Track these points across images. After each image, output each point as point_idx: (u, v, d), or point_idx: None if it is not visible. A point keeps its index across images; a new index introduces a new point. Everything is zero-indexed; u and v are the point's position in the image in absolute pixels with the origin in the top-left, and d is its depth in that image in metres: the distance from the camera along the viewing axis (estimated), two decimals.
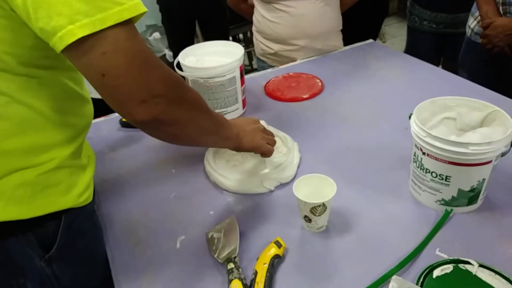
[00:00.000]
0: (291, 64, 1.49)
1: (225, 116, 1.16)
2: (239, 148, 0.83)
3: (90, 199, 0.79)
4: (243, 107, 1.22)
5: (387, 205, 0.85)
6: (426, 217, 0.82)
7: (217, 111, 1.16)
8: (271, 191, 0.91)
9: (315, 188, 0.80)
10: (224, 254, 0.75)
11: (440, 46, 1.88)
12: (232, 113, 1.19)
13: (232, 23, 2.54)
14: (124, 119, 1.19)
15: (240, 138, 0.82)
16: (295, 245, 0.78)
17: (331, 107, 1.21)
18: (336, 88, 1.31)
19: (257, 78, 1.41)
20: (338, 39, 1.57)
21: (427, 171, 0.79)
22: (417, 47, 1.91)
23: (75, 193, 0.72)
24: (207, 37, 2.28)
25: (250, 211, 0.87)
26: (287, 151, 1.00)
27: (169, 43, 2.36)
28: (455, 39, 1.78)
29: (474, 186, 0.77)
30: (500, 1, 1.32)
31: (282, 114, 1.20)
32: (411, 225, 0.81)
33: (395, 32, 3.91)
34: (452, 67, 1.69)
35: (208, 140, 0.77)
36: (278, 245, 0.75)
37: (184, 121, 0.65)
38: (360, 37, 1.64)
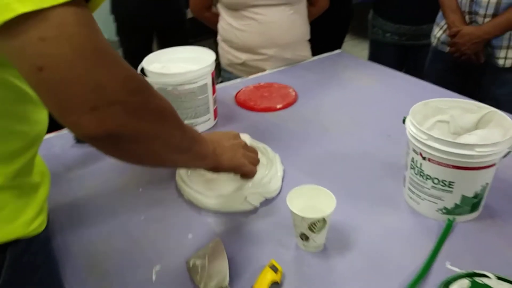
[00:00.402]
0: (260, 74, 1.42)
1: (196, 127, 1.06)
2: (216, 168, 0.70)
3: (43, 227, 0.65)
4: (215, 118, 1.12)
5: (384, 217, 0.78)
6: (427, 228, 0.75)
7: (185, 122, 1.05)
8: (256, 208, 0.82)
9: (309, 201, 0.71)
10: (212, 284, 0.63)
11: (402, 58, 1.89)
12: (203, 124, 1.08)
13: (191, 36, 2.44)
14: None
15: (217, 156, 0.69)
16: (292, 268, 0.68)
17: (308, 116, 1.14)
18: (310, 97, 1.24)
19: (226, 88, 1.32)
20: (307, 49, 1.52)
21: (428, 177, 0.73)
22: (380, 59, 1.89)
23: (23, 219, 0.59)
24: None
25: (235, 232, 0.77)
26: (268, 163, 0.91)
27: (124, 55, 2.21)
28: (417, 50, 1.81)
29: (478, 192, 0.72)
30: (466, 11, 1.34)
31: (257, 125, 1.12)
32: (413, 237, 0.74)
33: (350, 49, 3.99)
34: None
35: (178, 159, 0.62)
36: (274, 269, 0.65)
37: (149, 136, 0.51)
38: (325, 48, 1.60)
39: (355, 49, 3.67)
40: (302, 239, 0.70)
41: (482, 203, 0.75)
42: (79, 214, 0.83)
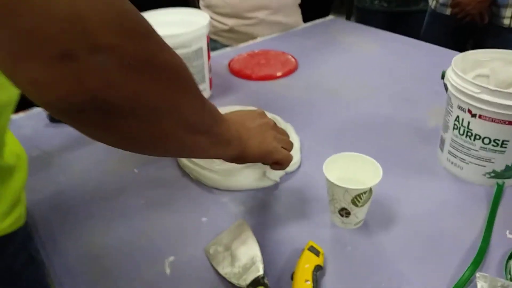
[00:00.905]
0: (252, 42, 1.29)
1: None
2: (242, 156, 0.54)
3: (21, 222, 0.52)
4: (210, 88, 0.99)
5: (424, 185, 0.69)
6: (473, 194, 0.67)
7: None
8: (277, 183, 0.70)
9: (345, 172, 0.61)
10: (245, 274, 0.52)
11: (391, 27, 1.79)
12: None
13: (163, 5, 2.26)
14: None
15: (243, 141, 0.53)
16: (333, 250, 0.58)
17: (314, 83, 1.03)
18: (313, 63, 1.13)
19: (216, 58, 1.18)
20: (298, 14, 1.41)
21: (477, 137, 0.64)
22: None
23: None
24: None
25: (257, 212, 0.65)
26: None
27: None
28: (407, 18, 1.72)
29: None
30: None
31: (258, 95, 1.00)
32: (461, 206, 0.65)
33: None
34: None
35: (194, 144, 0.43)
36: (315, 252, 0.54)
37: (154, 106, 0.34)
38: (315, 16, 1.49)
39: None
40: (341, 215, 0.59)
41: None
42: (65, 205, 0.69)
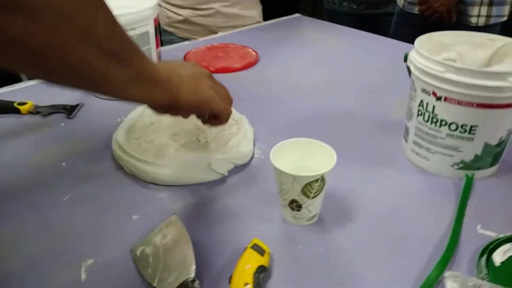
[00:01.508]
0: (211, 36, 1.22)
1: None
2: (176, 104, 0.48)
3: None
4: None
5: (386, 179, 0.62)
6: (440, 188, 0.60)
7: None
8: (223, 177, 0.62)
9: (297, 160, 0.53)
10: (171, 278, 0.43)
11: (360, 29, 1.76)
12: None
13: None
14: None
15: (173, 87, 0.47)
16: (281, 248, 0.49)
17: (273, 77, 0.96)
18: (273, 57, 1.07)
19: (171, 51, 1.10)
20: (258, 9, 1.35)
21: (443, 123, 0.57)
22: None
23: None
24: None
25: (198, 208, 0.57)
26: (233, 124, 0.72)
27: None
28: (376, 20, 1.69)
29: (503, 138, 0.58)
30: None
31: None
32: (427, 200, 0.58)
33: None
34: None
35: (106, 71, 0.37)
36: (259, 250, 0.46)
37: (46, 4, 0.30)
38: (280, 14, 1.44)
39: None
40: (292, 209, 0.51)
41: (503, 153, 0.61)
42: None
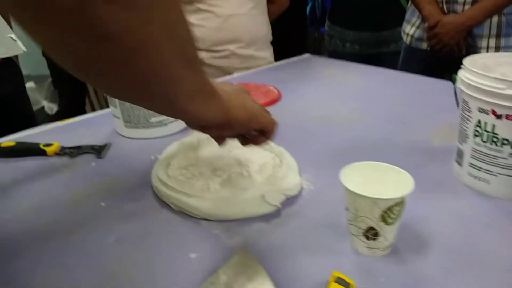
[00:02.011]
0: (228, 77, 1.22)
1: (167, 127, 0.82)
2: (228, 120, 0.45)
3: None
4: None
5: (447, 203, 0.59)
6: (504, 210, 0.57)
7: (154, 119, 0.81)
8: (278, 209, 0.58)
9: (363, 185, 0.50)
10: None
11: None
12: (175, 122, 0.84)
13: None
14: (2, 144, 0.76)
15: (225, 101, 0.45)
16: (361, 282, 0.45)
17: (300, 111, 0.95)
18: (295, 93, 1.06)
19: None
20: (270, 50, 1.38)
21: (504, 142, 0.56)
22: None
23: None
24: None
25: (257, 242, 0.53)
26: (274, 157, 0.70)
27: (54, 82, 1.88)
28: (378, 60, 1.73)
29: None
30: (444, 0, 1.27)
31: None
32: (495, 223, 0.55)
33: None
34: None
35: (180, 79, 0.36)
36: (344, 284, 0.42)
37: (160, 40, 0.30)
38: (288, 53, 1.46)
39: None
40: (367, 237, 0.48)
41: None
42: (8, 247, 0.53)
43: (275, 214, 0.58)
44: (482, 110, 0.57)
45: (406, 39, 1.44)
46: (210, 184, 0.62)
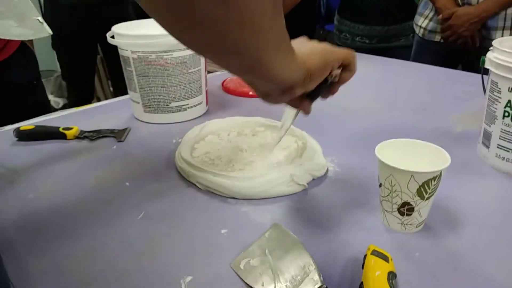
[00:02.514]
0: None
1: (187, 112, 0.82)
2: (306, 68, 0.43)
3: None
4: (206, 103, 0.88)
5: (477, 184, 0.59)
6: None
7: (173, 104, 0.81)
8: (304, 189, 0.58)
9: (399, 161, 0.50)
10: (296, 283, 0.38)
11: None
12: (195, 108, 0.84)
13: None
14: (22, 128, 0.76)
15: (299, 57, 0.42)
16: (397, 257, 0.45)
17: (320, 101, 0.94)
18: None
19: (209, 79, 1.09)
20: None
21: None
22: None
23: None
24: (112, 65, 1.85)
25: (288, 219, 0.52)
26: (296, 140, 0.69)
27: (63, 71, 1.86)
28: (388, 53, 1.72)
29: None
30: None
31: (258, 111, 0.88)
32: None
33: None
34: None
35: (274, 29, 0.35)
36: (382, 257, 0.41)
37: None
38: None
39: None
40: (401, 213, 0.47)
41: None
42: (35, 224, 0.53)
43: (303, 194, 0.57)
44: (510, 90, 0.57)
45: (419, 32, 1.43)
46: (235, 165, 0.62)
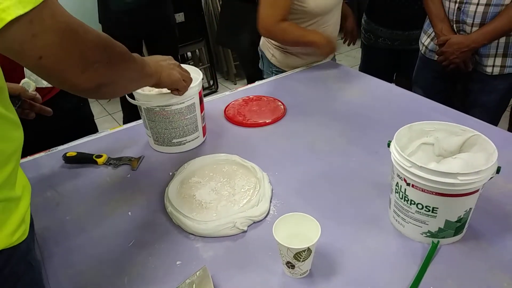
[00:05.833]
0: (249, 86, 1.42)
1: (185, 145, 1.07)
2: (158, 83, 0.87)
3: (25, 236, 0.65)
4: (204, 135, 1.13)
5: (370, 239, 0.79)
6: (412, 250, 0.76)
7: (174, 141, 1.06)
8: (244, 231, 0.82)
9: (295, 228, 0.72)
10: None
11: (394, 62, 1.90)
12: (192, 141, 1.09)
13: (181, 41, 2.42)
14: (68, 154, 1.06)
15: (158, 74, 0.86)
16: None
17: (296, 132, 1.15)
18: (299, 111, 1.25)
19: (216, 102, 1.32)
20: None
21: (412, 202, 0.74)
22: (372, 63, 1.93)
23: (7, 231, 0.59)
24: None
25: (223, 257, 0.78)
26: (257, 183, 0.92)
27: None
28: (408, 55, 1.81)
29: (461, 216, 0.73)
30: (454, 19, 1.34)
31: (246, 141, 1.12)
32: (398, 260, 0.75)
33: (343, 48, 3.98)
34: (405, 83, 1.71)
35: (138, 83, 0.82)
36: None
37: (119, 77, 0.69)
38: None
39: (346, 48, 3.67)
40: (288, 267, 0.70)
41: (466, 225, 0.76)
42: (66, 238, 0.83)
43: (242, 235, 0.82)
44: (398, 176, 0.75)
45: (421, 49, 1.52)
46: (204, 208, 0.87)
